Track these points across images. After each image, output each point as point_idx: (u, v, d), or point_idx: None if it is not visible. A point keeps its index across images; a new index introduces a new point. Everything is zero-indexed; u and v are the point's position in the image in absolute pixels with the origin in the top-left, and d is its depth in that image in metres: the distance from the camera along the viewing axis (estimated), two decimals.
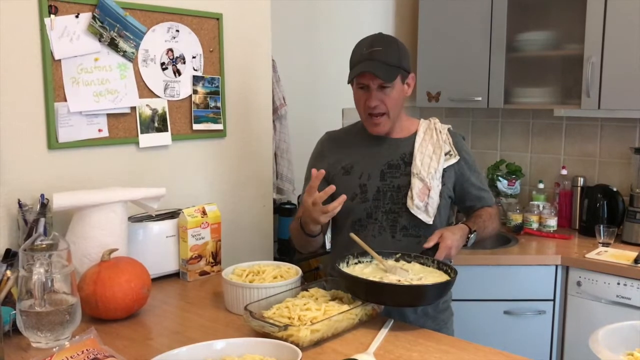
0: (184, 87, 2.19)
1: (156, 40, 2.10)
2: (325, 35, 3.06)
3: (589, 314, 2.63)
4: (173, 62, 2.16)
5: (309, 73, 3.02)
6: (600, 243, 2.84)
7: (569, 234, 3.05)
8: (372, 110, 1.83)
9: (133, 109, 2.06)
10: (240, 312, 1.58)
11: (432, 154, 1.89)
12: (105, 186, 1.92)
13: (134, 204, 1.92)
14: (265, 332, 1.44)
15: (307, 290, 1.67)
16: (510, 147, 3.51)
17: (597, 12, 2.77)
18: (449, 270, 1.65)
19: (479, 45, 3.14)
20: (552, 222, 3.07)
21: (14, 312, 1.47)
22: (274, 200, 2.64)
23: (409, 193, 1.86)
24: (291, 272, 1.78)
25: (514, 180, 3.32)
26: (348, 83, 1.88)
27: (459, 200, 1.97)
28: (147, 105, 2.09)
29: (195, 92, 2.22)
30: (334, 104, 3.09)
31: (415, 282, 1.59)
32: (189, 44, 2.19)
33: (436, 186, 1.86)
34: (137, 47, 2.04)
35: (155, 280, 1.89)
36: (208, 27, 2.24)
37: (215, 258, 2.06)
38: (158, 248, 1.98)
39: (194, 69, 2.22)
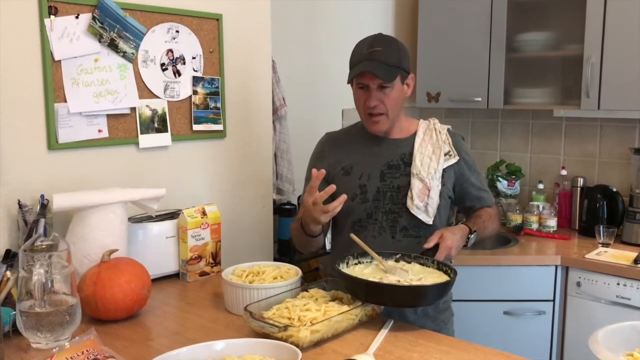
0: (183, 88, 2.19)
1: (156, 41, 2.10)
2: (325, 35, 3.06)
3: (588, 314, 2.63)
4: (173, 63, 2.16)
5: (308, 74, 3.02)
6: (600, 243, 2.84)
7: (568, 234, 3.06)
8: (372, 110, 1.83)
9: (133, 109, 2.06)
10: (240, 313, 1.58)
11: (431, 154, 1.90)
12: (105, 187, 1.92)
13: (134, 204, 1.92)
14: (265, 332, 1.44)
15: (307, 291, 1.67)
16: (510, 147, 3.51)
17: (596, 12, 2.77)
18: (449, 271, 1.65)
19: (478, 45, 3.15)
20: (552, 223, 3.07)
21: (14, 312, 1.47)
22: (274, 201, 2.64)
23: (409, 193, 1.86)
24: (291, 272, 1.79)
25: (513, 181, 3.32)
26: (348, 83, 1.88)
27: (459, 201, 1.97)
28: (147, 105, 2.09)
29: (195, 92, 2.22)
30: (333, 105, 3.09)
31: (415, 283, 1.59)
32: (188, 44, 2.19)
33: (436, 186, 1.86)
34: (137, 47, 2.04)
35: (155, 281, 1.89)
36: (208, 27, 2.24)
37: (215, 259, 2.06)
38: (158, 249, 1.98)
39: (194, 70, 2.22)
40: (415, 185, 1.85)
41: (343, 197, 1.66)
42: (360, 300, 1.58)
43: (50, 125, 1.85)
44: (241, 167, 2.43)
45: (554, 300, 2.74)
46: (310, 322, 1.45)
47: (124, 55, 2.01)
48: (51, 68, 1.84)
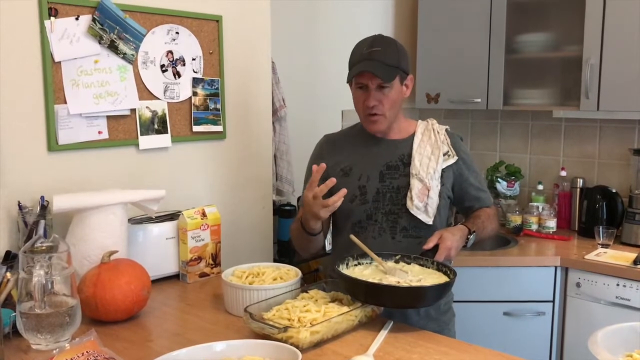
0: (183, 89, 2.20)
1: (156, 43, 2.10)
2: (324, 36, 3.06)
3: (588, 315, 2.63)
4: (173, 64, 2.16)
5: (308, 75, 3.02)
6: (599, 244, 2.84)
7: (568, 235, 3.06)
8: (371, 110, 1.84)
9: (133, 111, 2.06)
10: (240, 314, 1.58)
11: (430, 154, 1.90)
12: (105, 188, 1.92)
13: (134, 205, 1.92)
14: (265, 333, 1.44)
15: (306, 292, 1.67)
16: (509, 148, 3.51)
17: (596, 13, 2.78)
18: (449, 272, 1.66)
19: (478, 46, 3.15)
20: (552, 224, 3.07)
21: (14, 314, 1.47)
22: (274, 202, 2.64)
23: (409, 194, 1.86)
24: (291, 273, 1.79)
25: (513, 182, 3.32)
26: (347, 82, 1.88)
27: (458, 201, 1.98)
28: (147, 107, 2.10)
29: (195, 94, 2.23)
30: (333, 106, 3.09)
31: (414, 284, 1.59)
32: (188, 46, 2.19)
33: (435, 186, 1.87)
34: (137, 49, 2.04)
35: (155, 282, 1.89)
36: (208, 29, 2.25)
37: (215, 260, 2.06)
38: (158, 250, 1.98)
39: (194, 71, 2.22)
40: (415, 185, 1.85)
41: (343, 192, 1.66)
42: (360, 301, 1.58)
43: (50, 127, 1.85)
44: (241, 168, 2.44)
45: (553, 301, 2.74)
46: (310, 323, 1.45)
47: (124, 56, 2.01)
48: (51, 69, 1.84)
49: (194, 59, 2.21)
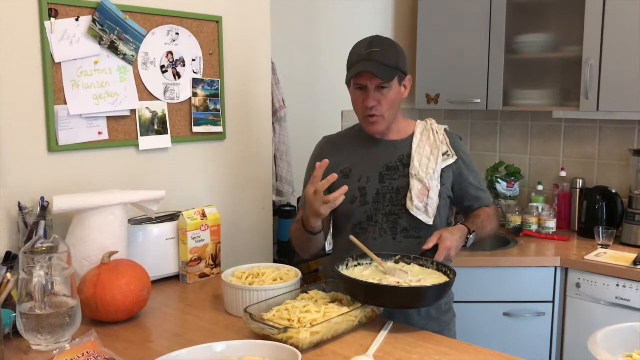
0: (183, 90, 2.20)
1: (156, 43, 2.10)
2: (324, 37, 3.06)
3: (588, 315, 2.63)
4: (173, 65, 2.16)
5: (308, 75, 3.02)
6: (599, 245, 2.84)
7: (568, 235, 3.06)
8: (370, 111, 1.84)
9: (133, 111, 2.06)
10: (240, 315, 1.58)
11: (429, 154, 1.90)
12: (105, 189, 1.92)
13: (134, 206, 1.92)
14: (265, 334, 1.44)
15: (306, 293, 1.68)
16: (509, 149, 3.52)
17: (595, 14, 2.78)
18: (448, 272, 1.66)
19: (478, 47, 3.15)
20: (552, 224, 3.08)
21: (14, 314, 1.47)
22: (274, 203, 2.64)
23: (409, 194, 1.86)
24: (291, 274, 1.79)
25: (513, 182, 3.32)
26: (346, 83, 1.89)
27: (458, 201, 1.98)
28: (147, 108, 2.10)
29: (195, 94, 2.23)
30: (333, 106, 3.09)
31: (414, 284, 1.59)
32: (188, 46, 2.19)
33: (435, 187, 1.87)
34: (137, 50, 2.04)
35: (155, 282, 1.90)
36: (208, 30, 2.25)
37: (215, 260, 2.06)
38: (158, 250, 1.98)
39: (194, 72, 2.22)
40: (415, 186, 1.85)
41: (344, 189, 1.66)
42: (359, 302, 1.59)
43: (50, 128, 1.85)
44: (241, 168, 2.44)
45: (553, 302, 2.74)
46: (310, 324, 1.45)
47: (124, 57, 2.01)
48: (51, 70, 1.84)
49: (194, 60, 2.22)
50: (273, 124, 2.61)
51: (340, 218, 1.94)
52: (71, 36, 1.88)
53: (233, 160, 2.40)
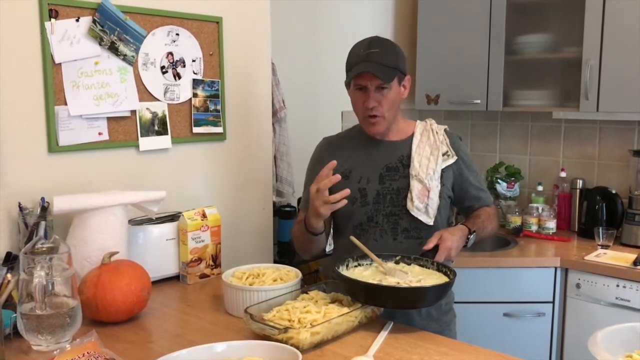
0: (183, 91, 2.20)
1: (156, 44, 2.10)
2: (324, 37, 3.07)
3: (588, 316, 2.63)
4: (173, 66, 2.16)
5: (308, 76, 3.02)
6: (599, 245, 2.84)
7: (568, 236, 3.06)
8: (370, 111, 1.84)
9: (133, 112, 2.06)
10: (240, 315, 1.58)
11: (429, 155, 1.90)
12: (105, 189, 1.92)
13: (134, 207, 1.92)
14: (265, 334, 1.44)
15: (307, 293, 1.68)
16: (509, 149, 3.52)
17: (595, 15, 2.78)
18: (449, 272, 1.66)
19: (478, 47, 3.15)
20: (551, 225, 3.08)
21: (14, 315, 1.48)
22: (274, 203, 2.64)
23: (409, 195, 1.86)
24: (291, 274, 1.79)
25: (513, 183, 3.32)
26: (345, 84, 1.89)
27: (458, 201, 1.98)
28: (147, 108, 2.10)
29: (195, 95, 2.23)
30: (333, 107, 3.09)
31: (414, 284, 1.59)
32: (188, 47, 2.20)
33: (435, 187, 1.87)
34: (137, 50, 2.05)
35: (156, 283, 1.90)
36: (208, 30, 2.25)
37: (215, 261, 2.06)
38: (158, 251, 1.98)
39: (194, 72, 2.22)
40: (415, 186, 1.85)
41: (346, 191, 1.66)
42: (360, 302, 1.59)
43: (50, 128, 1.85)
44: (241, 169, 2.44)
45: (553, 302, 2.74)
46: (311, 324, 1.45)
47: (124, 58, 2.02)
48: (51, 71, 1.84)
49: (194, 61, 2.22)
50: (273, 124, 2.61)
51: (340, 219, 1.94)
52: (71, 37, 1.88)
53: (233, 161, 2.41)
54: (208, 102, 2.27)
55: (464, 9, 3.18)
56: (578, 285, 2.66)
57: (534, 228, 3.11)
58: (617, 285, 2.55)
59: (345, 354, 1.42)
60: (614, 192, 3.00)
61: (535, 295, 2.74)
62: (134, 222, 2.00)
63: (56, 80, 1.86)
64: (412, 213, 1.85)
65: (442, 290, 1.63)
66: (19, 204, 1.77)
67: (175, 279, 2.03)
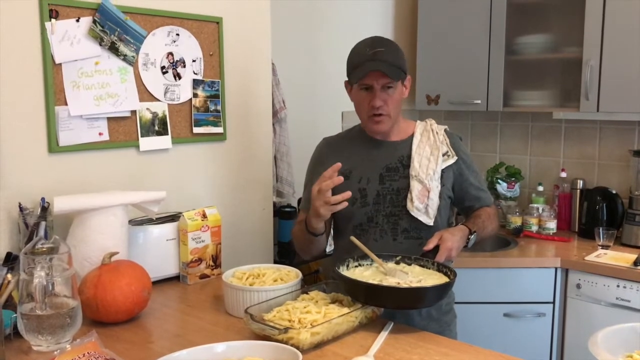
0: (184, 91, 2.20)
1: (156, 44, 2.10)
2: (324, 38, 3.07)
3: (588, 316, 2.63)
4: (173, 66, 2.16)
5: (308, 76, 3.03)
6: (599, 245, 2.84)
7: (568, 236, 3.06)
8: (377, 110, 1.83)
9: (133, 112, 2.06)
10: (240, 315, 1.58)
11: (429, 155, 1.90)
12: (105, 190, 1.92)
13: (135, 207, 1.92)
14: (265, 334, 1.44)
15: (307, 293, 1.68)
16: (509, 149, 3.52)
17: (595, 15, 2.78)
18: (449, 272, 1.66)
19: (478, 48, 3.15)
20: (552, 225, 3.08)
21: (15, 315, 1.48)
22: (274, 204, 2.64)
23: (409, 195, 1.86)
24: (291, 275, 1.79)
25: (513, 183, 3.32)
26: (347, 83, 1.88)
27: (458, 201, 1.98)
28: (147, 108, 2.10)
29: (195, 95, 2.23)
30: (333, 107, 3.09)
31: (414, 285, 1.59)
32: (189, 47, 2.20)
33: (435, 187, 1.87)
34: (137, 51, 2.05)
35: (156, 283, 1.90)
36: (208, 30, 2.25)
37: (216, 261, 2.06)
38: (158, 251, 1.98)
39: (194, 73, 2.22)
40: (415, 187, 1.85)
41: (347, 194, 1.66)
42: (360, 303, 1.59)
43: (50, 128, 1.85)
44: (241, 169, 2.44)
45: (553, 302, 2.74)
46: (311, 324, 1.45)
47: (125, 58, 2.02)
48: (52, 71, 1.84)
49: (194, 61, 2.22)
50: (273, 124, 2.61)
51: (340, 219, 1.94)
52: (72, 37, 1.88)
53: (233, 161, 2.41)
54: (208, 102, 2.27)
55: (464, 9, 3.18)
56: (578, 286, 2.66)
57: (535, 228, 3.11)
58: (618, 286, 2.55)
59: (346, 354, 1.42)
60: (614, 192, 3.00)
61: (536, 296, 2.74)
62: (134, 223, 2.00)
63: (56, 81, 1.86)
64: (412, 213, 1.85)
65: (442, 291, 1.63)
66: (19, 204, 1.77)
67: (176, 279, 2.03)
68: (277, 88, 2.63)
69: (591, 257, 2.68)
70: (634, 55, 2.70)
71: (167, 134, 2.16)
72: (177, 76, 2.18)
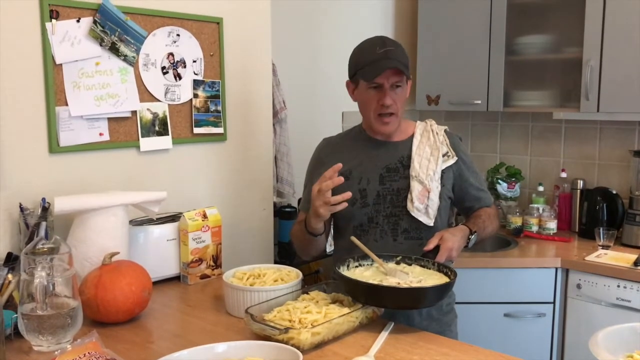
0: (184, 91, 2.20)
1: (157, 45, 2.11)
2: (325, 38, 3.07)
3: (588, 316, 2.63)
4: (174, 66, 2.16)
5: (308, 76, 3.03)
6: (599, 246, 2.84)
7: (568, 236, 3.06)
8: (386, 109, 1.83)
9: (134, 113, 2.07)
10: (241, 315, 1.58)
11: (429, 155, 1.90)
12: (106, 190, 1.92)
13: (135, 207, 1.92)
14: (266, 335, 1.44)
15: (307, 293, 1.68)
16: (509, 150, 3.52)
17: (595, 15, 2.78)
18: (449, 272, 1.66)
19: (478, 48, 3.16)
20: (552, 225, 3.08)
21: (15, 315, 1.48)
22: (274, 204, 2.65)
23: (409, 196, 1.86)
24: (292, 275, 1.79)
25: (513, 183, 3.32)
26: (350, 83, 1.88)
27: (458, 201, 1.98)
28: (147, 109, 2.10)
29: (195, 96, 2.23)
30: (333, 108, 3.09)
31: (414, 285, 1.59)
32: (189, 48, 2.20)
33: (435, 188, 1.87)
34: (137, 51, 2.05)
35: (156, 283, 1.90)
36: (208, 31, 2.25)
37: (216, 261, 2.06)
38: (159, 251, 1.98)
39: (195, 73, 2.23)
40: (415, 187, 1.85)
41: (347, 194, 1.66)
42: (360, 303, 1.59)
43: (51, 129, 1.86)
44: (242, 170, 2.44)
45: (554, 303, 2.74)
46: (311, 325, 1.45)
47: (125, 58, 2.02)
48: (52, 72, 1.84)
49: (194, 61, 2.22)
50: (274, 125, 2.61)
51: (340, 220, 1.94)
52: (72, 37, 1.88)
53: (234, 162, 2.41)
54: (209, 102, 2.27)
55: (464, 10, 3.18)
56: (579, 286, 2.66)
57: (535, 228, 3.11)
58: (618, 286, 2.55)
59: (346, 354, 1.42)
60: (614, 192, 3.00)
61: (536, 296, 2.74)
62: (134, 223, 2.00)
63: (57, 81, 1.86)
64: (412, 214, 1.85)
65: (442, 291, 1.63)
66: (20, 204, 1.77)
67: (176, 279, 2.03)
68: (277, 88, 2.63)
69: (591, 257, 2.69)
70: (634, 55, 2.70)
71: (168, 135, 2.16)
72: (178, 76, 2.18)
